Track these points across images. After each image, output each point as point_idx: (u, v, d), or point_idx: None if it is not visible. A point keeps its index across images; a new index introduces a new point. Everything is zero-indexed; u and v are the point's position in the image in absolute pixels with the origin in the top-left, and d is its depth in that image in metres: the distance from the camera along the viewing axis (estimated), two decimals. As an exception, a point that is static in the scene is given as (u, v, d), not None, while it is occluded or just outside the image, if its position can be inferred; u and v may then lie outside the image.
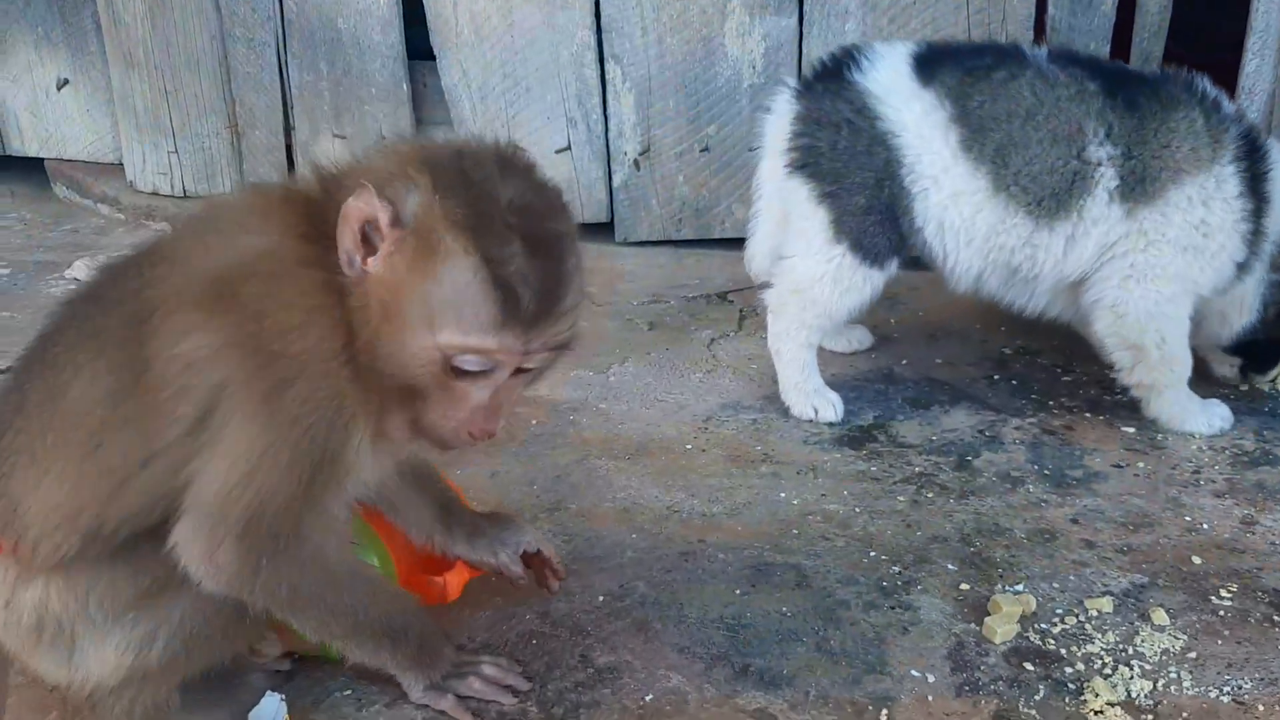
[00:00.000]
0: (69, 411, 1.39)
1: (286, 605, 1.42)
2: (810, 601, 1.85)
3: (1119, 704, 1.62)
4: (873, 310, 2.92)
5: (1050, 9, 3.12)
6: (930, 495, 2.17)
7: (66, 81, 4.06)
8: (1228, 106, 2.40)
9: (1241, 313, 2.47)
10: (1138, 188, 2.32)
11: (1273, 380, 2.60)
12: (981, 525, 2.07)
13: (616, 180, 3.48)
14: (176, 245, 1.45)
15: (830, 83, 2.44)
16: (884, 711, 1.61)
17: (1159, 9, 3.09)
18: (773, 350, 2.54)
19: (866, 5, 3.13)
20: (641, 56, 3.33)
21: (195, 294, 1.34)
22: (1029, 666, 1.70)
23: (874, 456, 2.32)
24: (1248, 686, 1.66)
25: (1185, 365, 2.41)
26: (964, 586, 1.89)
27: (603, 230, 3.60)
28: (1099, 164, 2.32)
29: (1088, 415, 2.49)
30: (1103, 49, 3.09)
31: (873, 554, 1.98)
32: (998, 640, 1.75)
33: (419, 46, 3.52)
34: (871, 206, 2.39)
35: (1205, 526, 2.07)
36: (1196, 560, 1.97)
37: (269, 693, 1.58)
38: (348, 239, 1.31)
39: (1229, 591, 1.87)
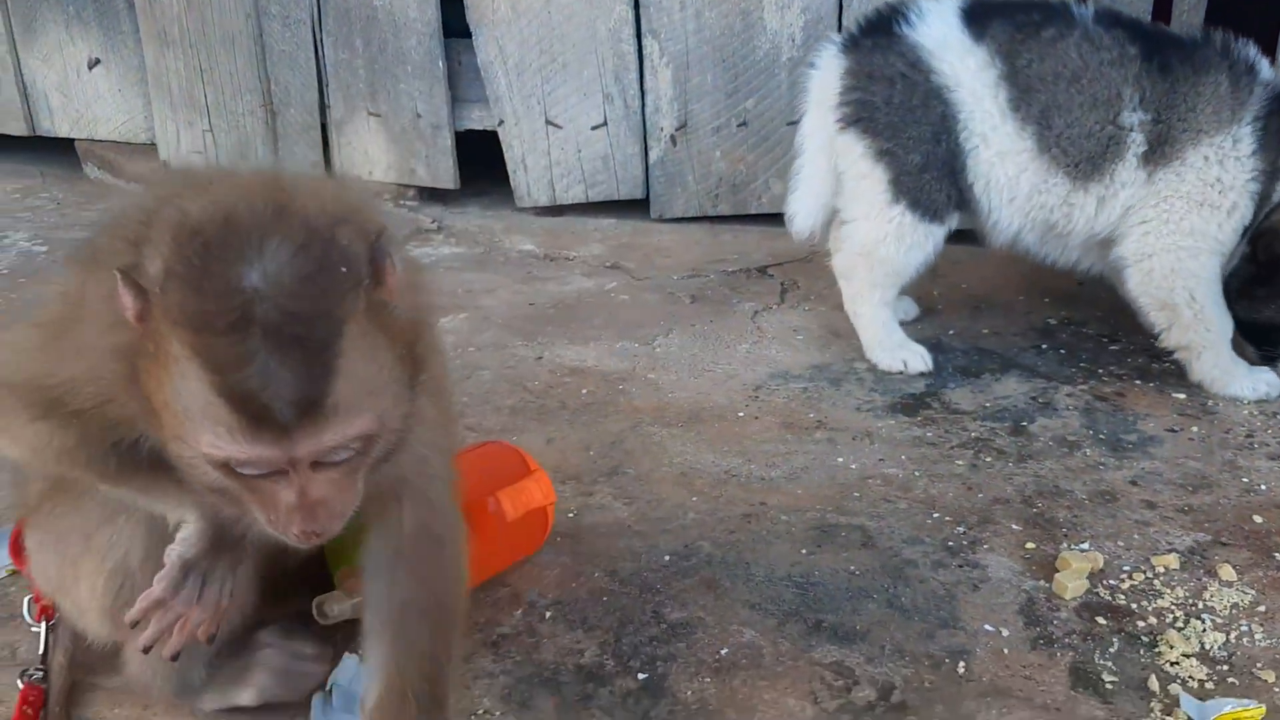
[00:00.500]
0: None
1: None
2: (877, 561, 1.85)
3: (1194, 655, 1.62)
4: (916, 282, 2.92)
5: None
6: (988, 459, 2.17)
7: (98, 61, 4.06)
8: (1265, 71, 2.39)
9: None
10: (1161, 151, 2.34)
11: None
12: (1042, 487, 2.07)
13: (652, 156, 3.48)
14: None
15: (879, 38, 2.44)
16: (961, 663, 1.62)
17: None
18: (850, 313, 2.58)
19: (907, -22, 3.12)
20: (679, 31, 3.32)
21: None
22: (1101, 621, 1.71)
23: (929, 423, 2.32)
24: (1320, 640, 1.66)
25: (1222, 326, 2.41)
26: (1030, 545, 1.89)
27: (638, 207, 3.60)
28: (1131, 129, 2.33)
29: (1138, 382, 2.49)
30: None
31: (936, 515, 1.98)
32: (1068, 596, 1.75)
33: (454, 24, 3.52)
34: (928, 163, 2.40)
35: (1263, 487, 2.07)
36: (1258, 519, 1.97)
37: (347, 654, 1.57)
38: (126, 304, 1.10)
39: (1294, 550, 1.88)
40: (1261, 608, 1.74)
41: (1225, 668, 1.61)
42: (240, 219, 1.09)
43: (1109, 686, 1.57)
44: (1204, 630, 1.67)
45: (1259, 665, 1.61)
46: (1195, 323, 2.39)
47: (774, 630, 1.69)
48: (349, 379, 1.08)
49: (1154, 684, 1.57)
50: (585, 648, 1.66)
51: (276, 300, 1.04)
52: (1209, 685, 1.57)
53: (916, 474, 2.12)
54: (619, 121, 3.47)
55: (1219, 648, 1.64)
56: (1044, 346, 2.68)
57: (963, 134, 2.38)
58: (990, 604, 1.75)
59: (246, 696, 1.53)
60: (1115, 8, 2.74)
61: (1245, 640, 1.66)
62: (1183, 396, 2.42)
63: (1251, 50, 2.40)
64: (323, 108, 3.71)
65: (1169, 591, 1.77)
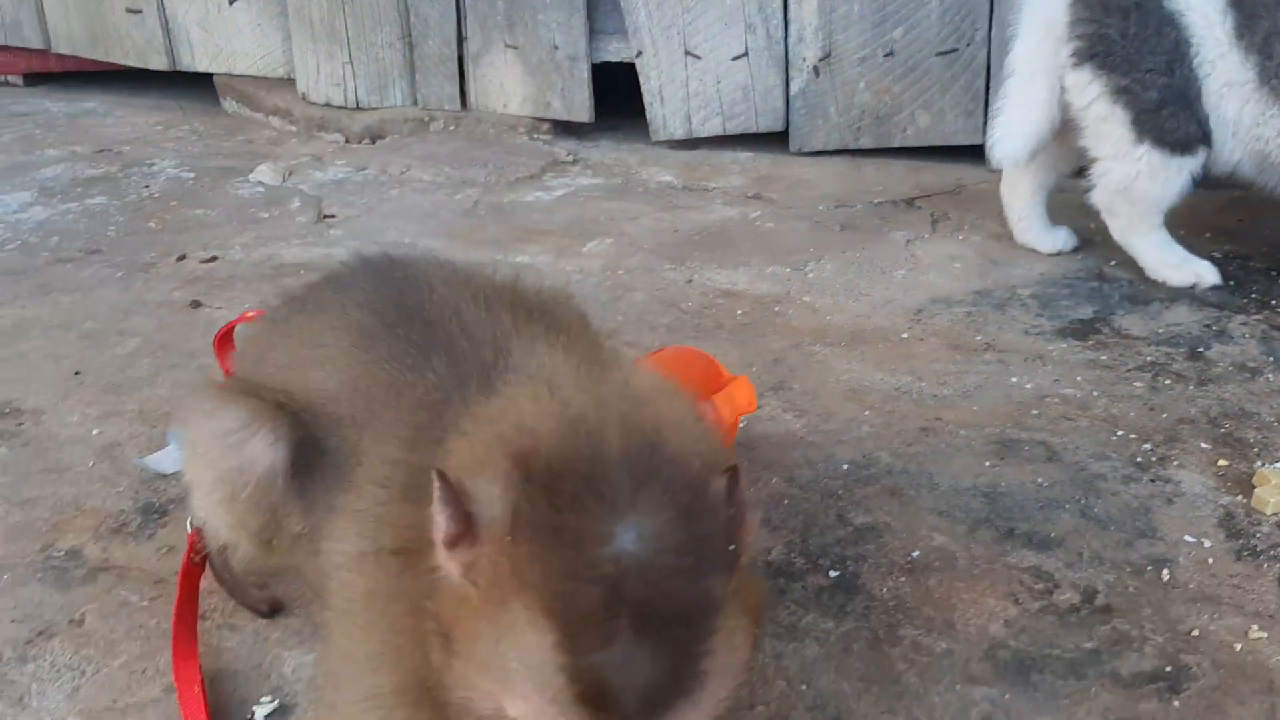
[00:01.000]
0: None
1: None
2: (1065, 474, 1.80)
3: None
4: (1072, 215, 2.84)
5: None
6: (1167, 382, 2.10)
7: (238, -4, 4.11)
8: None
9: None
10: None
11: None
12: (1227, 409, 2.00)
13: (794, 88, 3.43)
14: None
15: None
16: (1165, 571, 1.57)
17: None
18: (1123, 244, 2.55)
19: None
20: (827, -43, 3.26)
21: None
22: (1308, 536, 1.64)
23: (1101, 347, 2.25)
24: None
25: None
26: (1221, 463, 1.83)
27: (775, 140, 3.55)
28: None
29: (1317, 314, 2.39)
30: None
31: (1119, 433, 1.92)
32: (1269, 511, 1.69)
33: (595, -47, 3.50)
34: (1165, 98, 2.33)
35: None
36: None
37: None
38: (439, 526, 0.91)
39: None
40: None
41: None
42: (610, 459, 0.89)
43: (1325, 599, 1.51)
44: None
45: None
46: None
47: (965, 536, 1.65)
48: (710, 679, 0.89)
49: (1375, 598, 1.50)
50: (771, 546, 1.64)
51: (650, 574, 0.85)
52: None
53: (1095, 394, 2.06)
54: (760, 52, 3.42)
55: None
56: (1214, 277, 2.58)
57: (1195, 61, 2.30)
58: (1187, 517, 1.69)
59: None
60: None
61: None
62: (1369, 327, 2.32)
63: None
64: (460, 40, 3.72)
65: (1379, 511, 1.69)
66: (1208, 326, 2.34)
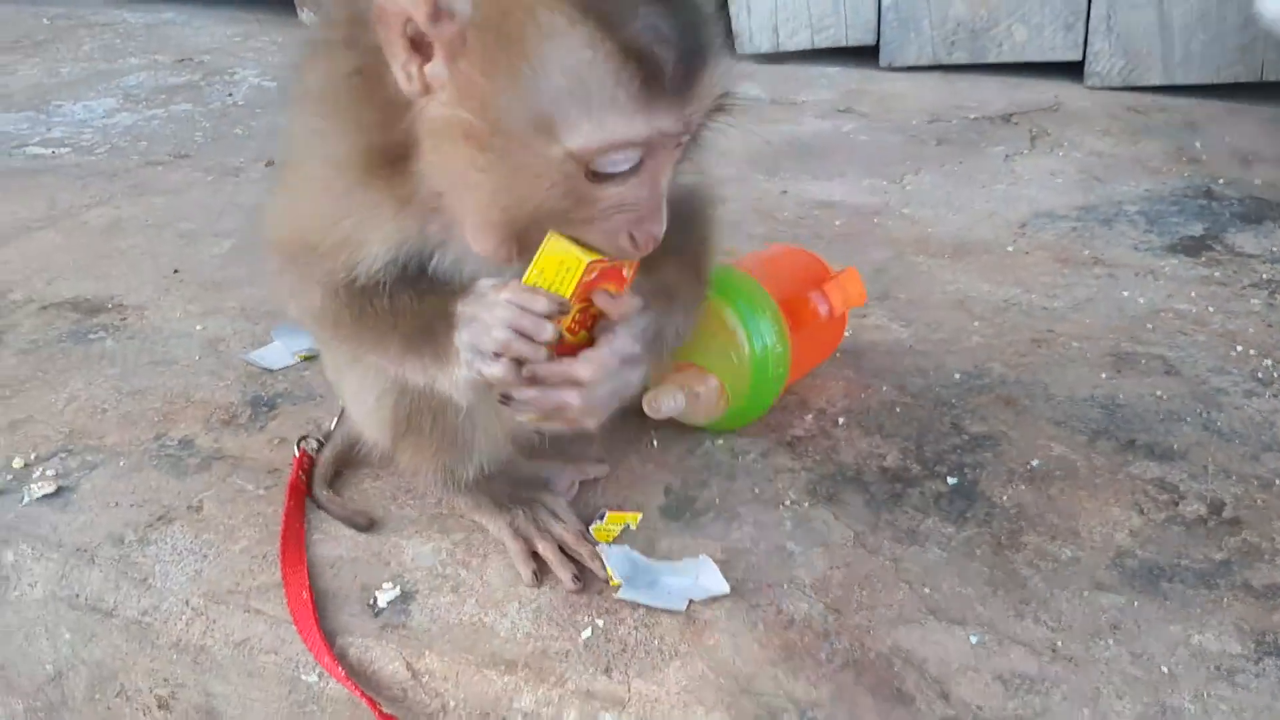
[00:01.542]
0: None
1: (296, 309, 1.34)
2: (1184, 387, 1.76)
3: None
4: (1173, 134, 2.76)
5: None
6: (1286, 300, 2.04)
7: (317, -97, 4.06)
8: None
9: None
10: None
11: None
12: (1351, 329, 1.94)
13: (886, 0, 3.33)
14: None
15: None
16: (1297, 487, 1.52)
17: None
18: None
19: None
20: None
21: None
22: None
23: (1214, 264, 2.18)
24: None
25: None
26: (1349, 381, 1.77)
27: (864, 55, 3.47)
28: None
29: None
30: None
31: (1239, 349, 1.87)
32: (1402, 429, 1.63)
33: None
34: None
35: None
36: None
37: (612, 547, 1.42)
38: (394, 47, 0.99)
39: None
40: None
41: None
42: None
43: None
44: None
45: None
46: None
47: (1085, 446, 1.62)
48: (717, 22, 1.01)
49: None
50: (886, 453, 1.61)
51: None
52: None
53: (1210, 310, 2.00)
54: (853, -38, 3.32)
55: None
56: (1330, 197, 2.49)
57: None
58: (1317, 433, 1.64)
59: (494, 526, 1.45)
60: None
61: None
62: None
63: None
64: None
65: None
66: (1325, 245, 2.26)
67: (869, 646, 1.27)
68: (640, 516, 1.48)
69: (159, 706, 1.41)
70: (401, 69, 1.00)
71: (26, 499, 1.56)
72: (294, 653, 1.33)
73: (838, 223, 2.40)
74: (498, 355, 1.12)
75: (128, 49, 4.03)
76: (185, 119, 3.21)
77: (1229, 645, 1.26)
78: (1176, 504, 1.50)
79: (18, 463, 1.64)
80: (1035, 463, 1.58)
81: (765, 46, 3.50)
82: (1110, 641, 1.27)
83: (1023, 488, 1.53)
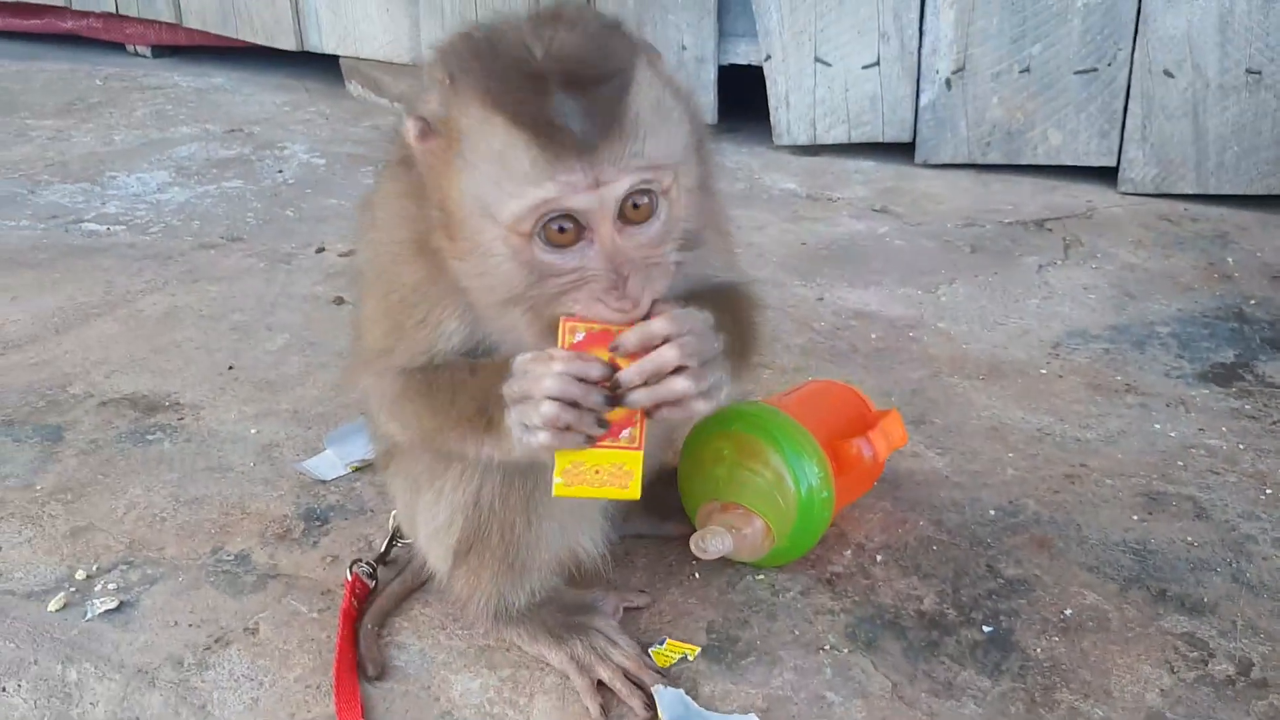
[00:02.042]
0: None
1: (378, 409, 1.43)
2: (1214, 533, 1.79)
3: None
4: (1205, 247, 2.81)
5: None
6: (1316, 438, 2.07)
7: (368, -19, 4.17)
8: None
9: None
10: None
11: None
12: (1380, 472, 1.97)
13: (924, 99, 3.40)
14: None
15: None
16: (1325, 649, 1.56)
17: None
18: None
19: (1227, -78, 2.95)
20: (968, -29, 3.22)
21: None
22: None
23: (1245, 395, 2.22)
24: None
25: None
26: (1378, 532, 1.80)
27: (899, 150, 3.54)
28: None
29: None
30: None
31: (1269, 492, 1.91)
32: None
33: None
34: None
35: None
36: None
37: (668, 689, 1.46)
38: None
39: None
40: None
41: None
42: (515, 22, 1.16)
43: None
44: None
45: None
46: None
47: (1117, 595, 1.65)
48: (641, 103, 1.12)
49: None
50: (923, 595, 1.65)
51: (565, 58, 1.10)
52: None
53: (1241, 447, 2.04)
54: (892, 61, 3.39)
55: None
56: (1362, 323, 2.53)
57: None
58: (1346, 589, 1.68)
59: (555, 658, 1.50)
60: None
61: None
62: None
63: None
64: (589, 35, 3.73)
65: None
66: (1355, 378, 2.30)
67: (906, 811, 1.30)
68: (699, 651, 1.52)
69: (213, 831, 1.46)
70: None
71: (89, 614, 1.62)
72: (348, 790, 1.38)
73: (874, 335, 2.45)
74: (547, 426, 1.18)
75: (179, 116, 4.13)
76: (237, 197, 3.30)
77: (1258, 823, 1.29)
78: (1206, 662, 1.53)
79: (80, 574, 1.70)
80: (1068, 611, 1.62)
81: (803, 139, 3.57)
82: (1142, 815, 1.30)
83: (1056, 639, 1.57)
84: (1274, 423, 2.13)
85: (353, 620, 1.58)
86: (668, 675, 1.48)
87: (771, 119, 3.59)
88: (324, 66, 4.47)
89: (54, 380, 2.24)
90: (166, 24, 4.72)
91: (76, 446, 2.02)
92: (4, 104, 4.23)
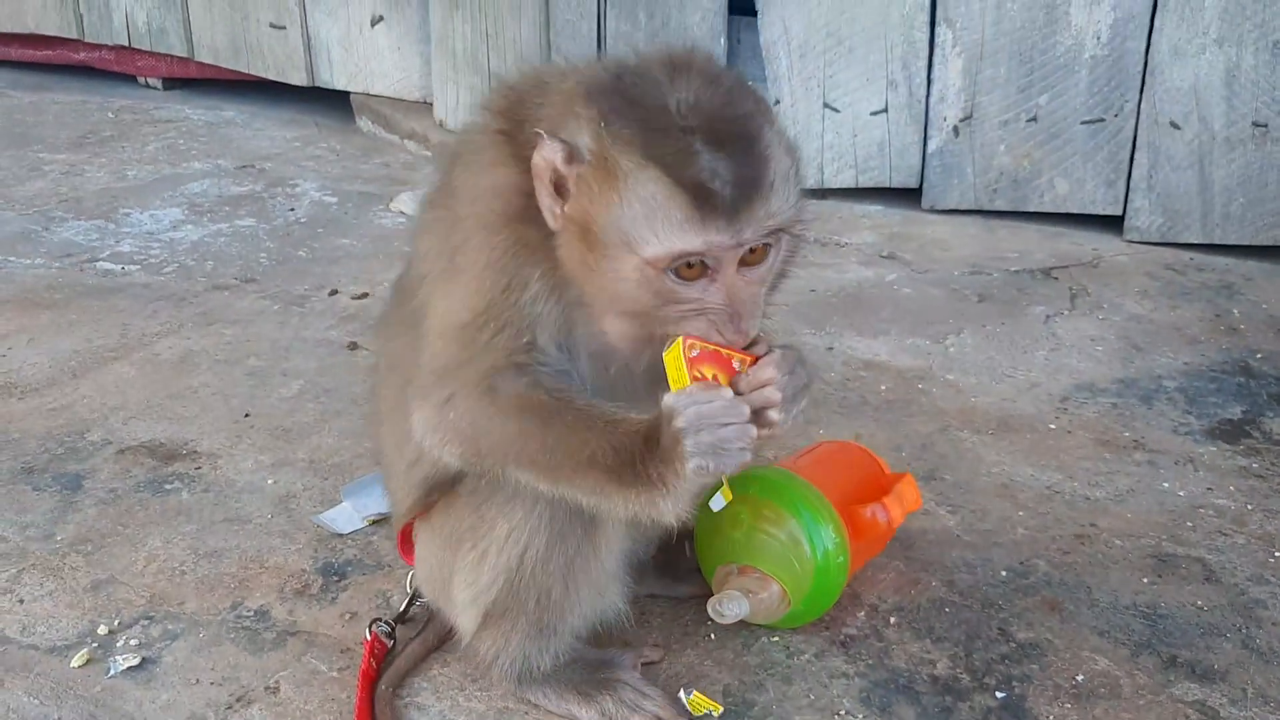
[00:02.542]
0: (391, 367, 1.56)
1: (470, 443, 1.38)
2: (1224, 597, 1.81)
3: None
4: (1211, 298, 2.83)
5: None
6: (1323, 498, 2.09)
7: (380, 19, 4.21)
8: None
9: None
10: None
11: None
12: (1387, 534, 1.99)
13: (931, 146, 3.44)
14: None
15: None
16: (1335, 719, 1.57)
17: None
18: None
19: (1233, -21, 2.99)
20: (977, 21, 3.26)
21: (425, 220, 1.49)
22: None
23: (1253, 453, 2.24)
24: None
25: None
26: (1386, 597, 1.82)
27: (910, 196, 3.57)
28: None
29: None
30: None
31: (1278, 554, 1.93)
32: None
33: (737, 1, 3.53)
34: None
35: None
36: None
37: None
38: (544, 195, 1.30)
39: None
40: None
41: None
42: (648, 65, 1.28)
43: None
44: None
45: None
46: None
47: (1127, 661, 1.67)
48: (777, 167, 1.26)
49: None
50: (936, 659, 1.67)
51: (711, 117, 1.24)
52: None
53: (1249, 507, 2.06)
54: (900, 109, 3.43)
55: None
56: (1367, 379, 2.56)
57: None
58: (1354, 657, 1.69)
59: (586, 715, 1.53)
60: None
61: None
62: None
63: None
64: (599, 77, 3.77)
65: None
66: (1361, 436, 2.32)
67: None
68: (722, 710, 1.54)
69: None
70: (547, 209, 1.30)
71: (112, 670, 1.63)
72: None
73: (883, 387, 2.48)
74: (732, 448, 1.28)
75: (191, 151, 4.16)
76: (249, 236, 3.32)
77: None
78: (1218, 732, 1.55)
79: (102, 629, 1.71)
80: (1080, 677, 1.64)
81: (810, 183, 3.60)
82: None
83: (1069, 706, 1.58)
84: (1281, 482, 2.15)
85: (371, 681, 1.59)
86: (699, 726, 1.51)
87: (780, 162, 3.61)
88: (334, 101, 4.50)
89: (72, 426, 2.26)
90: (178, 58, 4.76)
91: (96, 496, 2.04)
92: (18, 137, 4.26)
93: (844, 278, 3.09)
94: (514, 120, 1.35)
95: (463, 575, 1.52)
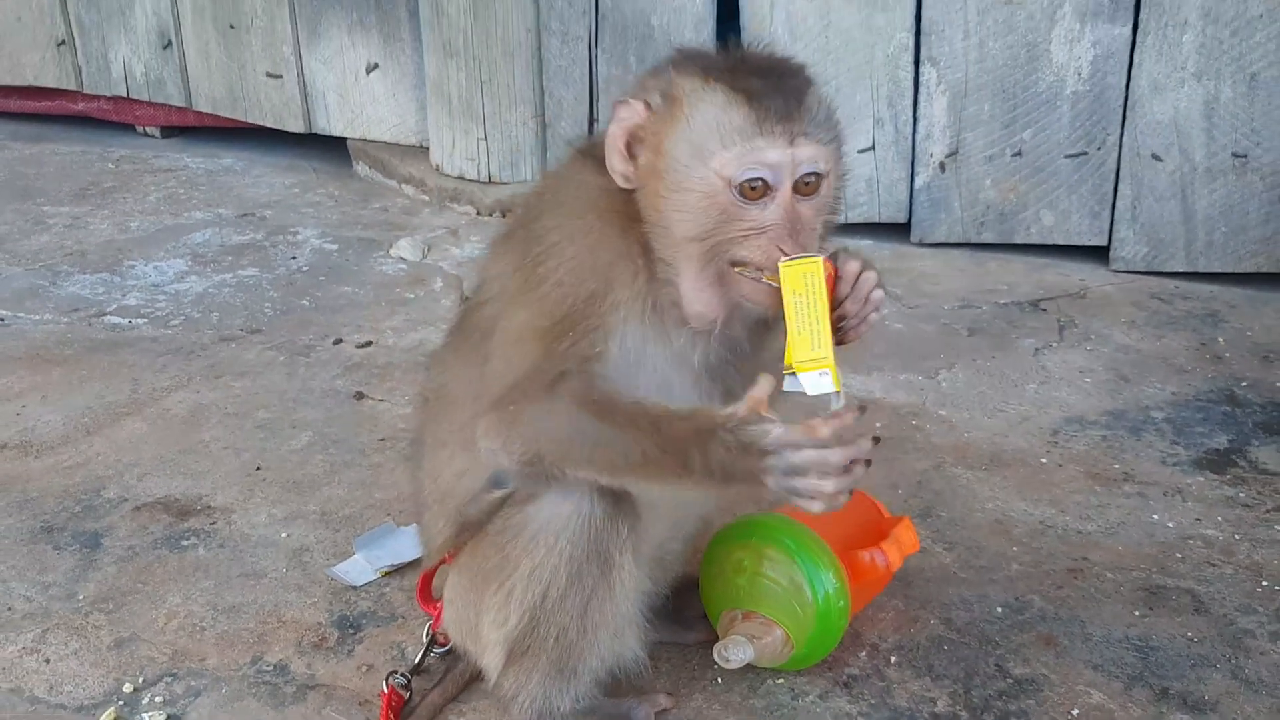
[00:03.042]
0: (450, 399, 1.63)
1: (531, 443, 1.43)
2: (1213, 628, 1.87)
3: None
4: (1197, 326, 2.90)
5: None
6: (1308, 526, 2.16)
7: (376, 66, 4.29)
8: None
9: None
10: None
11: None
12: (1370, 561, 2.05)
13: (919, 181, 3.51)
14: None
15: None
16: (1322, 746, 1.63)
17: None
18: None
19: (1207, 17, 3.07)
20: (960, 60, 3.34)
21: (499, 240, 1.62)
22: None
23: (1239, 482, 2.31)
24: None
25: None
26: (1369, 624, 1.88)
27: (899, 230, 3.63)
28: None
29: None
30: None
31: (1265, 584, 1.99)
32: None
33: (729, 44, 3.61)
34: None
35: None
36: None
37: None
38: (616, 160, 1.46)
39: None
40: None
41: None
42: (712, 48, 1.51)
43: None
44: None
45: None
46: None
47: (1121, 694, 1.73)
48: (818, 102, 1.44)
49: None
50: (936, 697, 1.73)
51: (764, 59, 1.46)
52: None
53: (1236, 537, 2.12)
54: (887, 146, 3.51)
55: None
56: (1349, 405, 2.62)
57: None
58: (1339, 684, 1.75)
59: None
60: None
61: None
62: None
63: None
64: (591, 122, 3.85)
65: None
66: (1344, 462, 2.38)
67: None
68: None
69: None
70: (619, 172, 1.46)
71: (138, 729, 1.68)
72: None
73: (878, 424, 2.54)
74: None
75: (192, 200, 4.23)
76: (253, 286, 3.38)
77: None
78: (1210, 763, 1.60)
79: (127, 687, 1.77)
80: (1075, 711, 1.70)
81: (802, 218, 3.67)
82: None
83: (1065, 741, 1.64)
84: (1268, 511, 2.21)
85: (390, 735, 1.65)
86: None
87: (771, 200, 3.69)
88: (331, 146, 4.57)
89: (89, 484, 2.32)
90: (176, 107, 4.83)
91: (115, 554, 2.10)
92: (20, 190, 4.32)
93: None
94: (592, 143, 1.56)
95: (491, 614, 1.58)
